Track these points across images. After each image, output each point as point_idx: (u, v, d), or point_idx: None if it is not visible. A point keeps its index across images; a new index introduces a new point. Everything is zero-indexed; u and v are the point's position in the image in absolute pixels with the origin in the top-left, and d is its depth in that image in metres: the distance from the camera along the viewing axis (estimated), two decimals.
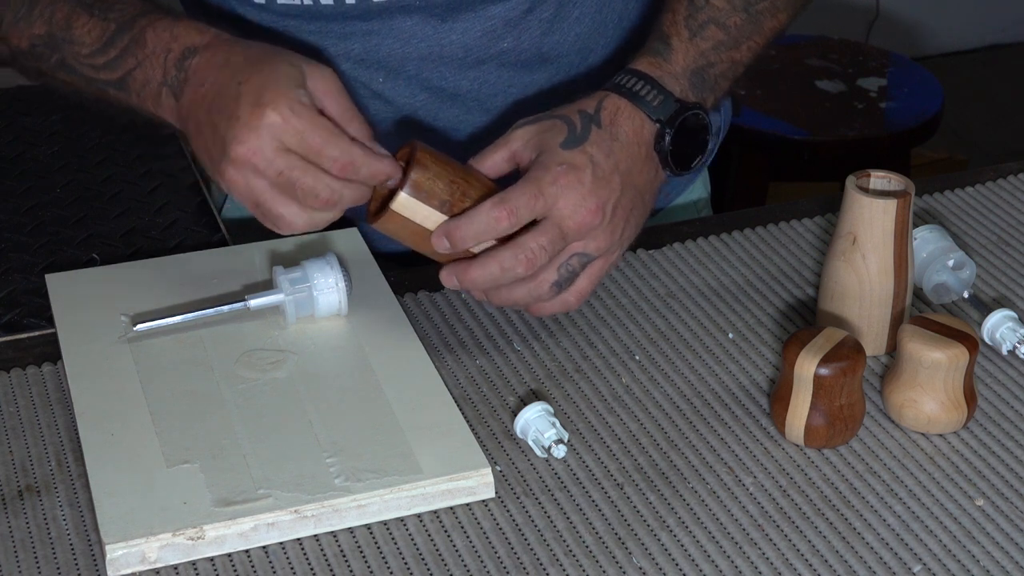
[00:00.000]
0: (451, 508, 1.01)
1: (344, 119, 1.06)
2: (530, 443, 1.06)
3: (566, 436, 1.05)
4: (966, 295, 1.21)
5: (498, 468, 1.04)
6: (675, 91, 1.13)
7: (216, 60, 1.08)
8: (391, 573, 0.96)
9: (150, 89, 1.11)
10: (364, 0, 1.23)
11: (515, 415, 1.07)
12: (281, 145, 1.03)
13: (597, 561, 0.97)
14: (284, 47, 1.28)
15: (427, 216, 1.07)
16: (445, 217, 1.07)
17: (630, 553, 0.97)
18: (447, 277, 1.09)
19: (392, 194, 1.07)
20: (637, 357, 1.16)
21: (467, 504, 1.01)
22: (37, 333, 1.20)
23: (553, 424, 1.05)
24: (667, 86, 1.13)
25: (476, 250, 1.09)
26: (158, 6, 1.15)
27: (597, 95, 1.13)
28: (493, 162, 1.11)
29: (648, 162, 1.13)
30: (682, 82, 1.14)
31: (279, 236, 1.27)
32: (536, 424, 1.05)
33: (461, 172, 1.09)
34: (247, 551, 0.97)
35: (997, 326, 1.16)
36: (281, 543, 0.98)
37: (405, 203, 1.07)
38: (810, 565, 0.97)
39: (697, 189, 1.50)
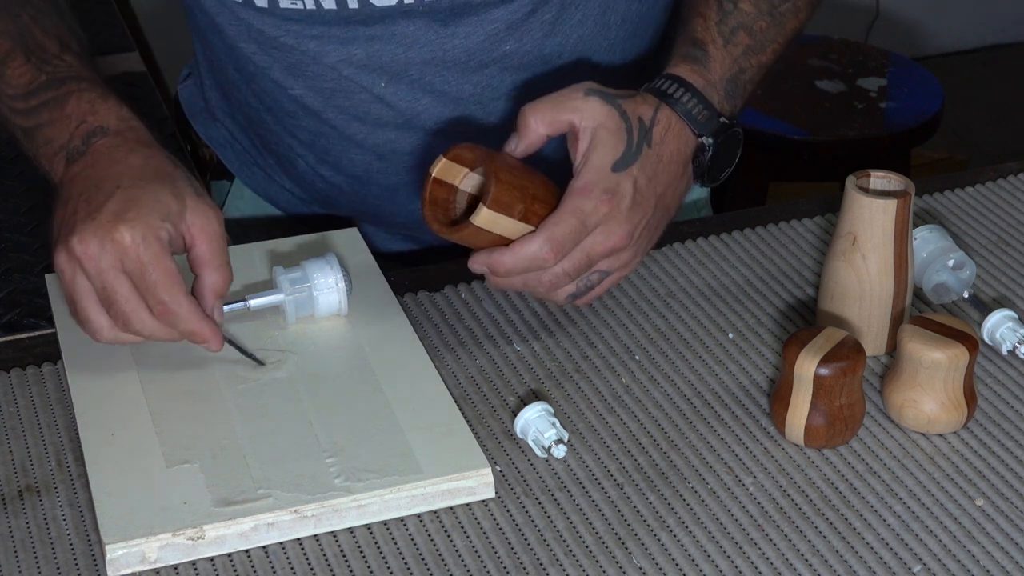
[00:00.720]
0: (451, 508, 1.01)
1: (208, 265, 1.08)
2: (530, 443, 1.06)
3: (566, 436, 1.05)
4: (966, 295, 1.21)
5: (498, 468, 1.04)
6: (714, 102, 1.13)
7: (117, 151, 1.09)
8: (391, 573, 0.96)
9: (51, 148, 1.13)
10: (367, 5, 1.23)
11: (515, 415, 1.07)
12: (119, 264, 1.04)
13: (597, 561, 0.97)
14: (282, 55, 1.28)
15: (506, 227, 1.07)
16: (521, 224, 1.07)
17: (630, 553, 0.97)
18: (476, 264, 1.09)
19: (470, 208, 1.07)
20: (637, 357, 1.16)
21: (467, 504, 1.01)
22: (37, 333, 1.20)
23: (553, 424, 1.05)
24: (709, 97, 1.13)
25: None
26: (95, 76, 1.16)
27: (652, 102, 1.12)
28: (559, 123, 1.09)
29: (683, 178, 1.13)
30: (720, 91, 1.15)
31: (279, 236, 1.27)
32: (536, 424, 1.05)
33: (526, 175, 1.08)
34: (247, 551, 0.97)
35: (997, 326, 1.16)
36: (281, 543, 0.98)
37: (488, 217, 1.05)
38: (810, 565, 0.97)
39: (697, 189, 1.49)
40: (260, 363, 1.11)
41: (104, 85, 1.15)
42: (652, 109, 1.11)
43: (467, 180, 1.10)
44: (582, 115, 1.09)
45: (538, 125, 1.10)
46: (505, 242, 1.07)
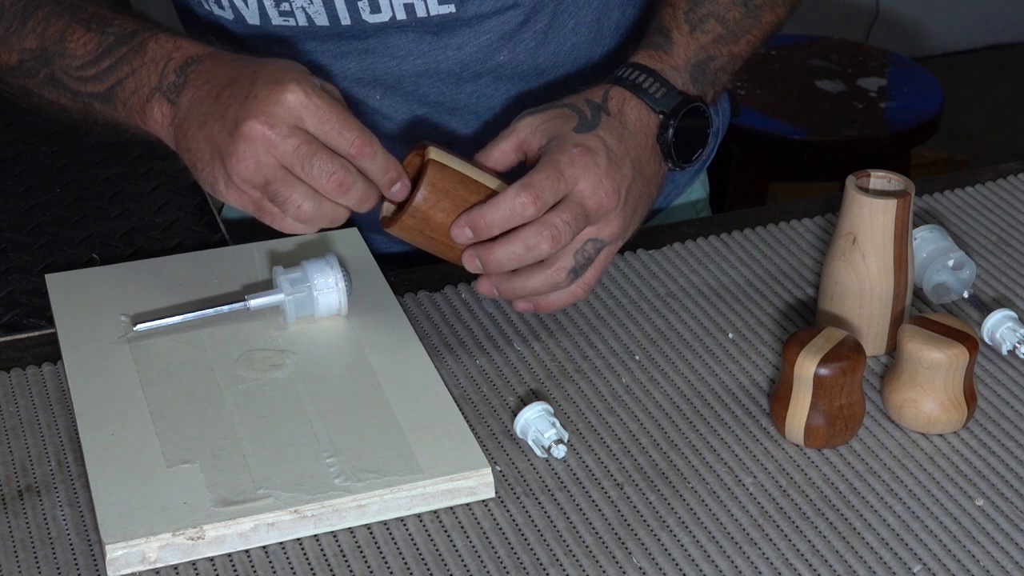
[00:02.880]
0: (451, 508, 1.01)
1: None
2: (530, 443, 1.06)
3: (566, 436, 1.05)
4: (966, 295, 1.21)
5: (498, 468, 1.04)
6: (676, 83, 1.13)
7: (224, 61, 1.08)
8: (391, 573, 0.96)
9: (139, 97, 1.10)
10: (359, 21, 1.23)
11: (515, 415, 1.07)
12: (299, 122, 1.02)
13: (597, 561, 0.97)
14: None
15: (461, 166, 1.07)
16: (476, 170, 1.08)
17: (630, 553, 0.97)
18: (469, 259, 1.07)
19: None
20: (637, 357, 1.16)
21: (467, 504, 1.01)
22: (37, 333, 1.20)
23: (553, 424, 1.05)
24: (669, 78, 1.13)
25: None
26: (160, 24, 1.14)
27: (602, 87, 1.13)
28: (501, 152, 1.11)
29: (654, 153, 1.13)
30: (683, 75, 1.14)
31: (279, 236, 1.27)
32: (536, 424, 1.05)
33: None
34: (247, 551, 0.97)
35: (997, 326, 1.16)
36: (281, 543, 0.98)
37: (438, 154, 1.06)
38: (810, 565, 0.97)
39: (696, 190, 1.50)
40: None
41: (173, 28, 1.13)
42: (601, 91, 1.12)
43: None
44: (518, 132, 1.11)
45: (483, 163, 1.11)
46: (469, 195, 1.07)
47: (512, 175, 1.10)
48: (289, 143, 1.02)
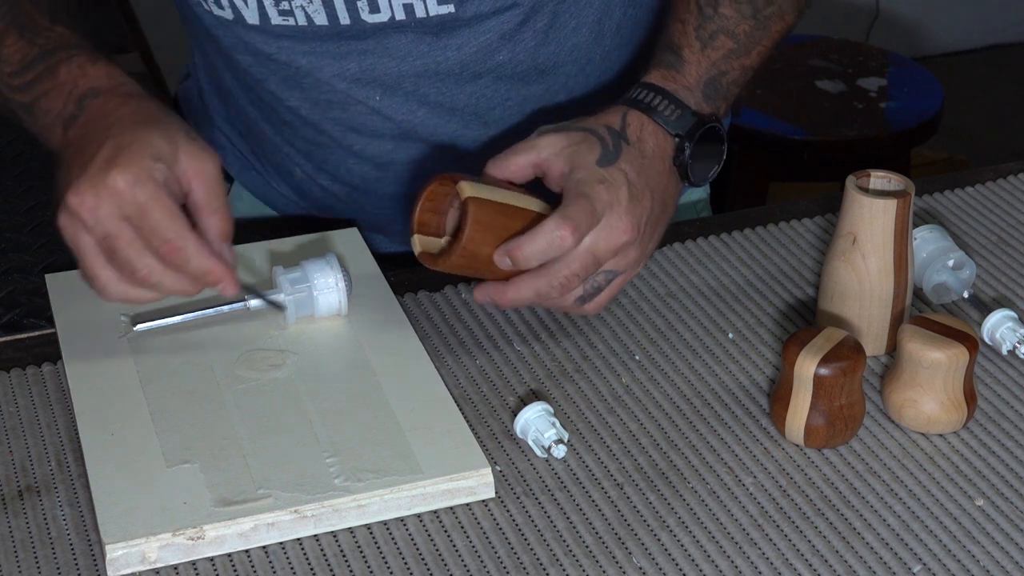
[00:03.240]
0: (451, 508, 1.01)
1: (206, 208, 1.05)
2: (530, 443, 1.06)
3: (566, 436, 1.05)
4: (966, 295, 1.21)
5: (498, 468, 1.04)
6: (690, 103, 1.13)
7: (107, 107, 1.08)
8: (391, 573, 0.96)
9: (49, 119, 1.11)
10: (358, 20, 1.23)
11: (515, 415, 1.07)
12: (117, 211, 1.02)
13: (597, 561, 0.97)
14: (277, 68, 1.28)
15: (494, 193, 1.07)
16: (515, 194, 1.08)
17: (630, 553, 0.97)
18: (481, 296, 1.09)
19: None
20: (637, 357, 1.16)
21: (467, 504, 1.01)
22: (37, 333, 1.20)
23: (553, 424, 1.05)
24: (683, 99, 1.13)
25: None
26: (84, 43, 1.14)
27: (619, 110, 1.12)
28: (518, 166, 1.10)
29: (671, 175, 1.13)
30: (696, 94, 1.14)
31: (279, 236, 1.27)
32: (536, 424, 1.05)
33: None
34: (247, 551, 0.97)
35: (997, 326, 1.16)
36: (281, 543, 0.98)
37: (473, 189, 1.06)
38: (810, 565, 0.97)
39: (697, 190, 1.50)
40: (281, 307, 1.11)
41: (93, 49, 1.14)
42: (619, 116, 1.12)
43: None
44: (539, 150, 1.10)
45: (496, 175, 1.10)
46: (511, 223, 1.07)
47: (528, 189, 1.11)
48: (98, 231, 1.02)
